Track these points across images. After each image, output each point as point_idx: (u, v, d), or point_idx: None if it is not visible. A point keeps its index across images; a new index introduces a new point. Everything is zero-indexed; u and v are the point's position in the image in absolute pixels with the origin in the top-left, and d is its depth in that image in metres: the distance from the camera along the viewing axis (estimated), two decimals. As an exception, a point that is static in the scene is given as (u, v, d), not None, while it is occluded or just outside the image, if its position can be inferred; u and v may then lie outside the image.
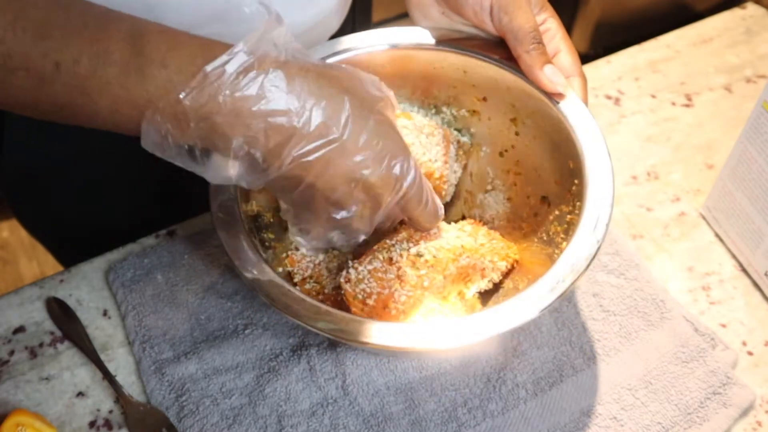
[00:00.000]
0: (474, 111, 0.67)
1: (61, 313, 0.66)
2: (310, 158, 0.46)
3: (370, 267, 0.56)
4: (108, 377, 0.62)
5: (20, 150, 0.76)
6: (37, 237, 0.92)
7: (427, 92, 0.67)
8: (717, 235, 0.73)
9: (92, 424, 0.60)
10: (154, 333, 0.64)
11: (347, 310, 0.57)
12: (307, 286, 0.61)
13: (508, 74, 0.61)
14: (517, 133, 0.65)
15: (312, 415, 0.59)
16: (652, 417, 0.60)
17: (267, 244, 0.60)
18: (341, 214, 0.50)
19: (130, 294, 0.66)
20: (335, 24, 0.77)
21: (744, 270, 0.71)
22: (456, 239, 0.59)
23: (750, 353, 0.65)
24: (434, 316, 0.57)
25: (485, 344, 0.63)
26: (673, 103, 0.86)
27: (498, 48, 0.62)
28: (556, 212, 0.60)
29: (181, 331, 0.64)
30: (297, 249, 0.63)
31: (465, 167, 0.68)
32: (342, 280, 0.56)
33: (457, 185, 0.68)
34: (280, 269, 0.61)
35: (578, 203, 0.56)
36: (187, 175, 0.75)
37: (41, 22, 0.42)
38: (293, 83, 0.46)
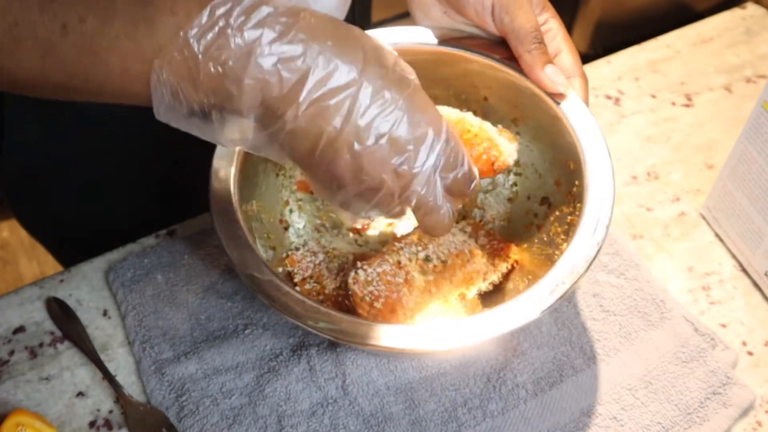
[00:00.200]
0: (474, 111, 0.67)
1: (61, 313, 0.66)
2: (327, 102, 0.43)
3: (379, 269, 0.56)
4: (108, 377, 0.62)
5: (20, 150, 0.76)
6: (37, 237, 0.92)
7: (427, 92, 0.67)
8: (717, 235, 0.73)
9: (92, 424, 0.60)
10: (154, 333, 0.64)
11: (348, 310, 0.57)
12: (308, 287, 0.61)
13: (509, 74, 0.61)
14: (517, 133, 0.65)
15: (312, 415, 0.59)
16: (652, 417, 0.60)
17: (267, 244, 0.60)
18: (368, 182, 0.46)
19: (130, 294, 0.66)
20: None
21: (744, 270, 0.71)
22: (463, 244, 0.59)
23: (750, 353, 0.65)
24: (435, 317, 0.57)
25: (486, 345, 0.63)
26: (673, 103, 0.86)
27: (499, 48, 0.62)
28: (557, 213, 0.60)
29: (181, 331, 0.64)
30: (297, 249, 0.63)
31: None
32: (350, 280, 0.56)
33: None
34: (280, 269, 0.61)
35: (578, 204, 0.56)
36: (187, 175, 0.76)
37: None
38: (307, 22, 0.44)
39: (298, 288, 0.59)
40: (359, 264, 0.57)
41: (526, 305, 0.49)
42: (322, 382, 0.60)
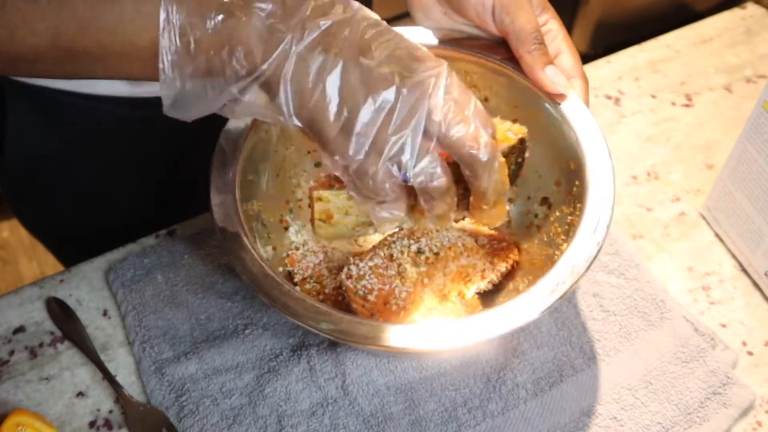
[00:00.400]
0: None
1: (61, 313, 0.65)
2: (329, 23, 0.46)
3: (371, 263, 0.56)
4: (108, 377, 0.62)
5: (21, 150, 0.76)
6: (37, 236, 0.92)
7: None
8: (717, 235, 0.73)
9: (92, 424, 0.60)
10: (154, 333, 0.64)
11: (348, 309, 0.57)
12: (308, 286, 0.61)
13: (510, 75, 0.61)
14: None
15: (312, 415, 0.59)
16: (652, 417, 0.60)
17: (267, 243, 0.60)
18: (384, 97, 0.46)
19: (130, 294, 0.66)
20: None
21: (744, 270, 0.71)
22: (457, 238, 0.60)
23: (750, 353, 0.65)
24: (434, 316, 0.57)
25: (486, 345, 0.63)
26: (673, 103, 0.86)
27: (500, 49, 0.62)
28: (557, 213, 0.60)
29: (181, 331, 0.64)
30: (297, 249, 0.63)
31: None
32: (343, 276, 0.57)
33: None
34: (281, 269, 0.61)
35: (579, 204, 0.56)
36: (187, 175, 0.76)
37: None
38: None
39: (297, 288, 0.59)
40: (351, 260, 0.57)
41: (527, 304, 0.49)
42: (322, 382, 0.60)
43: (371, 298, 0.55)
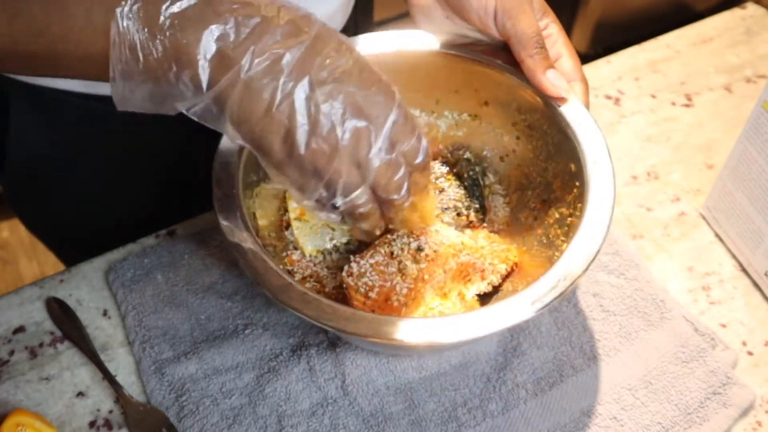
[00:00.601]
0: (475, 115, 0.67)
1: (61, 313, 0.66)
2: (282, 51, 0.45)
3: (372, 261, 0.57)
4: (108, 377, 0.62)
5: (21, 150, 0.76)
6: (37, 236, 0.92)
7: (429, 96, 0.67)
8: (717, 235, 0.73)
9: (92, 424, 0.60)
10: (154, 333, 0.64)
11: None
12: (308, 285, 0.61)
13: (511, 78, 0.62)
14: (518, 137, 0.65)
15: (312, 415, 0.59)
16: (652, 417, 0.60)
17: (267, 242, 0.60)
18: (328, 128, 0.47)
19: (130, 294, 0.66)
20: (338, 23, 0.77)
21: (744, 270, 0.71)
22: (457, 237, 0.60)
23: (750, 353, 0.65)
24: (434, 315, 0.57)
25: (484, 342, 0.63)
26: (673, 103, 0.86)
27: (501, 52, 0.62)
28: (557, 215, 0.60)
29: (181, 331, 0.64)
30: (296, 248, 0.63)
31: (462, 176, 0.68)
32: (344, 273, 0.57)
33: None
34: (281, 267, 0.61)
35: (579, 205, 0.56)
36: (187, 175, 0.76)
37: None
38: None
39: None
40: (352, 258, 0.57)
41: (526, 302, 0.49)
42: (322, 382, 0.60)
43: (372, 295, 0.55)
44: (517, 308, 0.49)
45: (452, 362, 0.62)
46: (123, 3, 0.44)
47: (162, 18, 0.44)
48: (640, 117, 0.84)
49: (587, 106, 0.60)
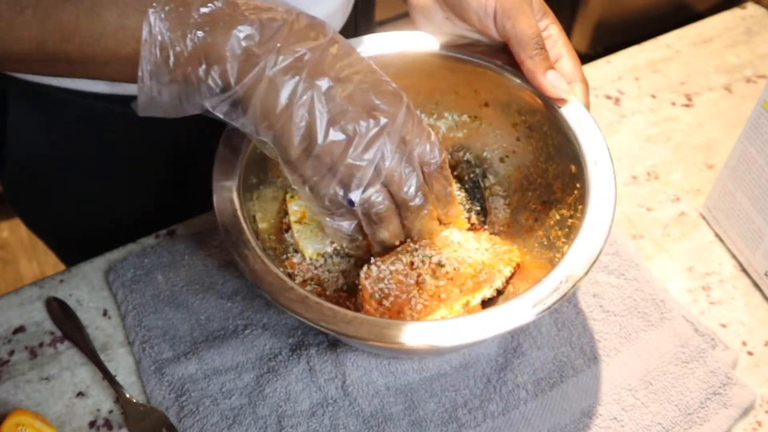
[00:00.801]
0: (475, 116, 0.67)
1: (61, 313, 0.65)
2: (303, 50, 0.48)
3: (392, 268, 0.56)
4: (108, 377, 0.62)
5: (21, 150, 0.76)
6: (38, 236, 0.92)
7: (429, 97, 0.67)
8: (717, 235, 0.73)
9: (92, 424, 0.60)
10: (154, 333, 0.64)
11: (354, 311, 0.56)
12: (308, 288, 0.61)
13: (511, 80, 0.62)
14: (518, 139, 0.65)
15: (312, 415, 0.59)
16: (652, 417, 0.60)
17: (267, 245, 0.60)
18: (346, 127, 0.50)
19: (130, 294, 0.66)
20: (338, 23, 0.77)
21: (744, 270, 0.71)
22: (476, 252, 0.59)
23: (750, 353, 0.65)
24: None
25: (485, 344, 0.63)
26: (673, 103, 0.86)
27: (501, 54, 0.62)
28: (558, 217, 0.60)
29: (181, 331, 0.64)
30: (296, 251, 0.63)
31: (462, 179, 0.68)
32: (362, 275, 0.56)
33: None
34: (281, 270, 0.61)
35: (580, 206, 0.56)
36: (187, 175, 0.76)
37: None
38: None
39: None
40: (372, 260, 0.57)
41: (527, 305, 0.49)
42: (322, 382, 0.60)
43: (386, 303, 0.54)
44: (518, 311, 0.49)
45: (453, 363, 0.62)
46: (155, 5, 0.46)
47: (192, 19, 0.47)
48: (640, 117, 0.84)
49: (587, 107, 0.60)
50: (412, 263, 0.56)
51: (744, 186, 0.68)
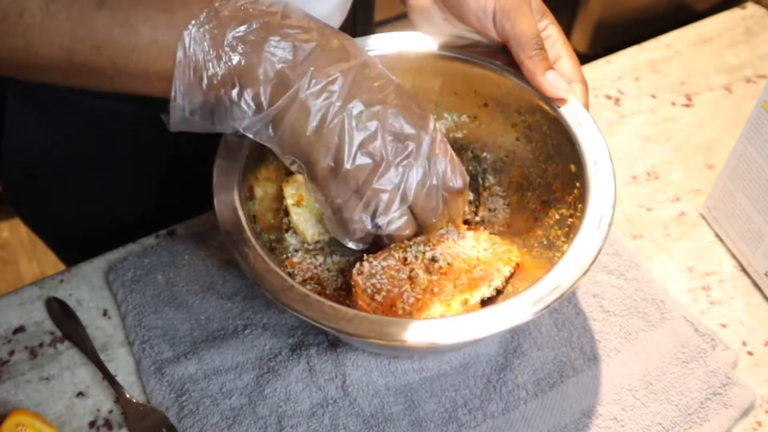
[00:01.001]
0: (475, 117, 0.67)
1: (61, 313, 0.65)
2: (335, 74, 0.49)
3: (384, 263, 0.56)
4: (108, 377, 0.62)
5: (20, 150, 0.76)
6: (38, 235, 0.92)
7: (429, 97, 0.67)
8: (717, 235, 0.73)
9: (92, 424, 0.60)
10: (154, 333, 0.64)
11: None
12: (308, 287, 0.61)
13: (510, 80, 0.62)
14: (517, 139, 0.65)
15: (312, 415, 0.59)
16: (652, 417, 0.60)
17: (267, 244, 0.60)
18: (374, 151, 0.50)
19: (130, 294, 0.66)
20: (336, 23, 0.77)
21: (744, 270, 0.71)
22: (472, 249, 0.59)
23: (750, 353, 0.65)
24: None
25: (485, 343, 0.63)
26: (673, 103, 0.86)
27: (500, 54, 0.62)
28: (557, 216, 0.60)
29: (181, 331, 0.64)
30: (296, 251, 0.63)
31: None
32: (354, 271, 0.56)
33: None
34: (281, 269, 0.61)
35: (579, 205, 0.56)
36: (187, 175, 0.76)
37: None
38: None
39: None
40: (365, 256, 0.57)
41: (526, 304, 0.49)
42: (322, 382, 0.60)
43: (378, 297, 0.55)
44: (517, 309, 0.49)
45: (453, 363, 0.62)
46: (190, 27, 0.46)
47: (227, 41, 0.47)
48: (640, 117, 0.84)
49: (587, 106, 0.60)
50: (405, 259, 0.56)
51: (744, 186, 0.68)
